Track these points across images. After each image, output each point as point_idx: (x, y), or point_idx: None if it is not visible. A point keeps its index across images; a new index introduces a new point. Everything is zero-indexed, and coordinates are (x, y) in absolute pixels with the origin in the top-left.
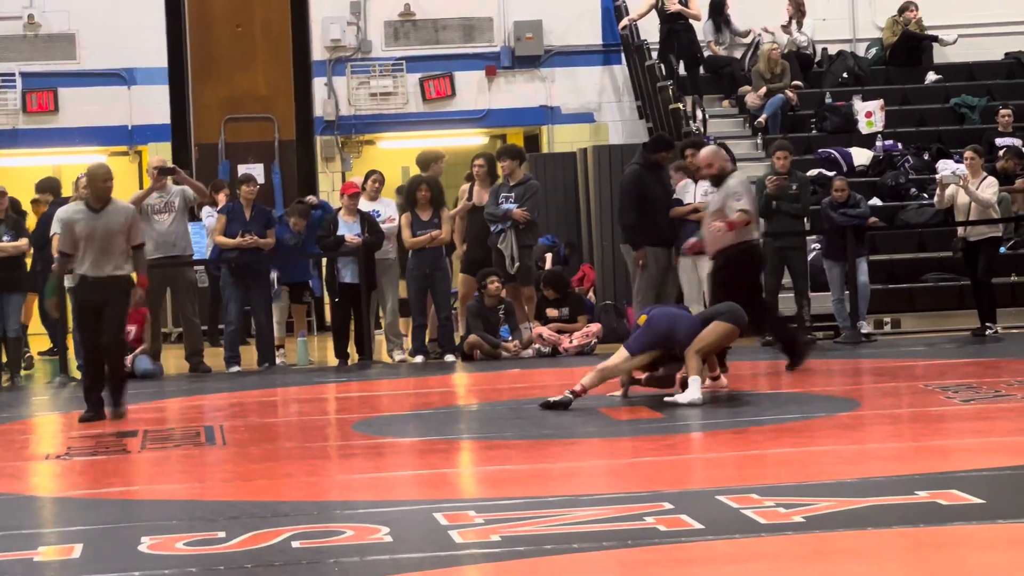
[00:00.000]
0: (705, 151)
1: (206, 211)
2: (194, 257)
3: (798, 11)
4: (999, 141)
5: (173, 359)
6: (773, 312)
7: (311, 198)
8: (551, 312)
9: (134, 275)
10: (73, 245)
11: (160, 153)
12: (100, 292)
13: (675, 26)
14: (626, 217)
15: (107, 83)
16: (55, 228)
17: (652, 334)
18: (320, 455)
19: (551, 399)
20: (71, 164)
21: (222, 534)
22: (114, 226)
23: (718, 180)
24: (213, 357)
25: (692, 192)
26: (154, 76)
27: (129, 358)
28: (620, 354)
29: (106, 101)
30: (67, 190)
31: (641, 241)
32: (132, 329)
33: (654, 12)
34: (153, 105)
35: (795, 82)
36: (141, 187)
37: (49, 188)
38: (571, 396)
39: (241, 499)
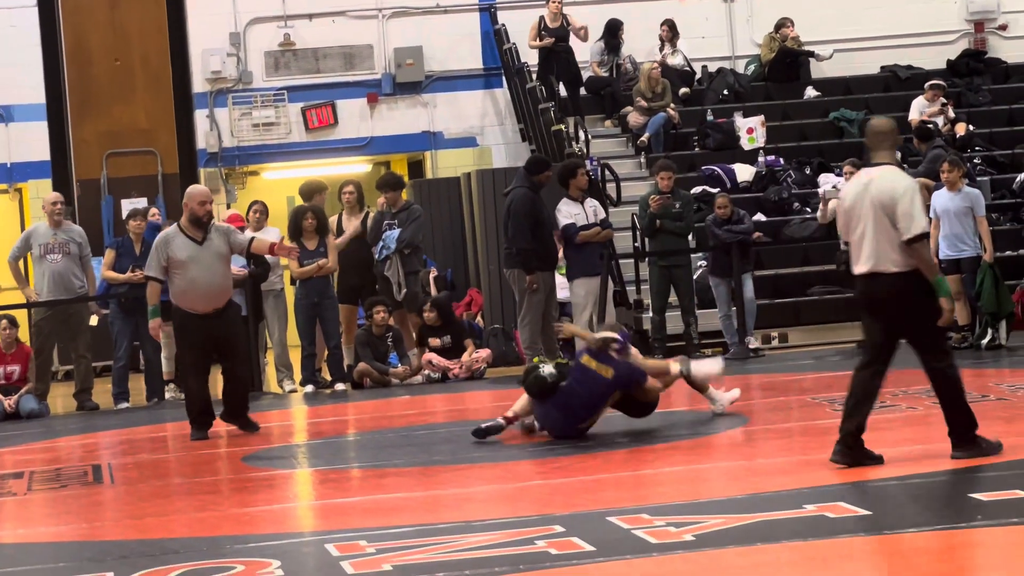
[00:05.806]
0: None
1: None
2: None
3: (671, 31)
4: None
5: (61, 398)
6: None
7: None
8: (433, 341)
9: None
10: None
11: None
12: None
13: (555, 47)
14: (521, 241)
15: None
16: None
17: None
18: (211, 490)
19: (483, 425)
20: None
21: (111, 574)
22: None
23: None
24: (101, 394)
25: (583, 213)
26: (32, 112)
27: (14, 398)
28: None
29: None
30: None
31: (536, 265)
32: (16, 369)
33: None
34: (32, 142)
35: (672, 104)
36: (23, 226)
37: None
38: (503, 422)
39: (130, 538)
